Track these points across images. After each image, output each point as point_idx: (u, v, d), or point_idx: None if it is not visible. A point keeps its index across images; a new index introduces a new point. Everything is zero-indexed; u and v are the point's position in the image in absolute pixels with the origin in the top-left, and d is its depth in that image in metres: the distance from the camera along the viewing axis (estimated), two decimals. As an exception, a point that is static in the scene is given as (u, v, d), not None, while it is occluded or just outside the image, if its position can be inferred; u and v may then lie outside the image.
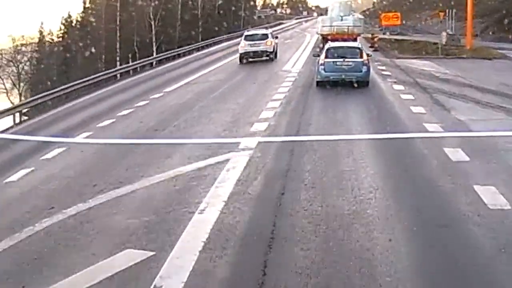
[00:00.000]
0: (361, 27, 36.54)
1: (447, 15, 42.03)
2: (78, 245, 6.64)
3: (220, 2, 68.12)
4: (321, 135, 11.54)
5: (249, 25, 70.21)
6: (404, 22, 58.72)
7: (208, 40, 51.84)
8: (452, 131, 11.55)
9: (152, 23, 55.60)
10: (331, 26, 34.66)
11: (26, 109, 23.41)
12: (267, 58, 28.28)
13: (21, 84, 64.50)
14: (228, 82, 21.70)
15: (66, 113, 19.06)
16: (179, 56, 39.83)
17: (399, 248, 5.97)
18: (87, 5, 67.38)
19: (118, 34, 54.24)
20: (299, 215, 6.98)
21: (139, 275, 5.64)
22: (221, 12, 68.62)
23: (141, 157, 10.71)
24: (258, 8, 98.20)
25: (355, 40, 29.16)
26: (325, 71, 18.23)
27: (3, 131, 17.06)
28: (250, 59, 28.09)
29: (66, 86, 24.47)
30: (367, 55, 19.45)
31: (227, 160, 9.66)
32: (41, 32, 70.01)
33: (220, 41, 50.93)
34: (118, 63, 52.07)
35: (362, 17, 44.39)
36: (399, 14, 51.69)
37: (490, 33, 50.67)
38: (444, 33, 38.13)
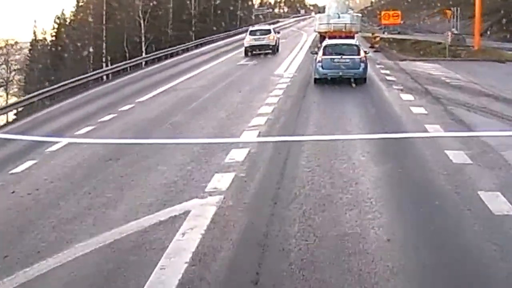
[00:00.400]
0: (358, 25, 37.04)
1: (453, 13, 39.44)
2: None
3: (218, 1, 65.99)
4: (315, 169, 8.87)
5: (246, 24, 68.75)
6: (403, 21, 56.27)
7: (199, 40, 49.35)
8: (486, 167, 8.73)
9: (142, 22, 52.84)
10: (328, 23, 35.28)
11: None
12: (270, 51, 31.33)
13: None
14: (211, 90, 19.07)
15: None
16: (166, 57, 37.21)
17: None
18: (81, 3, 65.18)
19: (104, 34, 51.47)
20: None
21: None
22: (219, 12, 66.49)
23: (75, 208, 7.83)
24: (255, 7, 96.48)
25: (352, 37, 28.74)
26: (323, 68, 18.26)
27: None
28: (254, 52, 30.98)
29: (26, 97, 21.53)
30: (365, 52, 19.52)
31: (186, 214, 7.03)
32: (34, 32, 68.83)
33: (211, 41, 48.36)
34: (104, 64, 49.40)
35: (360, 15, 44.04)
36: (399, 12, 49.10)
37: (490, 32, 48.16)
38: (448, 33, 35.56)
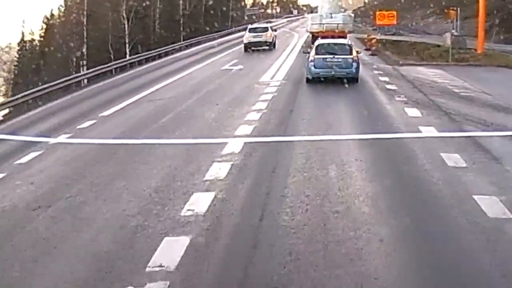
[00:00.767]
0: (351, 25, 36.79)
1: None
2: None
3: (210, 2, 64.02)
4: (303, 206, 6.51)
5: (239, 24, 67.87)
6: (398, 22, 54.14)
7: (186, 41, 46.95)
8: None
9: (125, 22, 50.29)
10: (320, 23, 35.35)
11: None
12: (268, 47, 33.90)
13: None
14: (186, 101, 16.57)
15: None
16: (147, 60, 34.76)
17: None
18: (69, 3, 62.92)
19: (85, 35, 48.92)
20: None
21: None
22: (212, 12, 64.41)
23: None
24: (248, 7, 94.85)
25: (345, 38, 28.23)
26: (315, 68, 18.35)
27: None
28: (254, 48, 33.66)
29: None
30: (357, 51, 19.86)
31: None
32: (22, 32, 67.46)
33: (199, 42, 45.95)
34: (85, 67, 46.85)
35: (352, 15, 43.11)
36: (395, 13, 46.82)
37: (495, 34, 46.01)
38: (448, 34, 33.10)
